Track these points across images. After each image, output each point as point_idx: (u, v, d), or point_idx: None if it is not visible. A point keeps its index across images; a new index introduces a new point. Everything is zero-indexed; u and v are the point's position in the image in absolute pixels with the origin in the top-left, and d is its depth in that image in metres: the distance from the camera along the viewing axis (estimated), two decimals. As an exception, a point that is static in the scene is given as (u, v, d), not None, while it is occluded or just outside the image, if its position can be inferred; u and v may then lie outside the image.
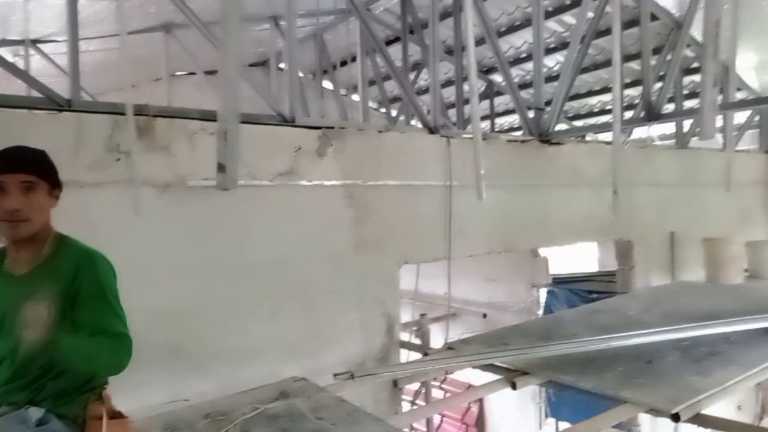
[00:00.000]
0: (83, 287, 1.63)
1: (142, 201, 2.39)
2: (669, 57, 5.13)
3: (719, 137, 5.96)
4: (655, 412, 2.53)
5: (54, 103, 2.59)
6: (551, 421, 5.75)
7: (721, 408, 2.67)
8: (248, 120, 3.11)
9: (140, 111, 2.68)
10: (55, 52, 4.55)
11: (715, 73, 2.89)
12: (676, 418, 2.40)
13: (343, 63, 6.26)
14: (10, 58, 4.27)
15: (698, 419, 2.50)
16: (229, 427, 2.18)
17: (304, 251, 3.25)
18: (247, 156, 3.04)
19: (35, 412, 1.62)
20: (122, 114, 2.66)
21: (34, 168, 1.63)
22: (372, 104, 6.91)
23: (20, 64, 4.42)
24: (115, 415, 1.75)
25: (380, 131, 3.68)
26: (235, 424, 2.21)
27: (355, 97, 6.28)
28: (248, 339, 2.98)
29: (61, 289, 1.63)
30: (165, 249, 2.76)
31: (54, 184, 1.69)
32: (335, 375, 2.72)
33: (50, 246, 1.69)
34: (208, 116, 3.00)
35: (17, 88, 4.58)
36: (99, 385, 1.73)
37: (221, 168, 1.96)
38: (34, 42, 4.33)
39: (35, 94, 2.72)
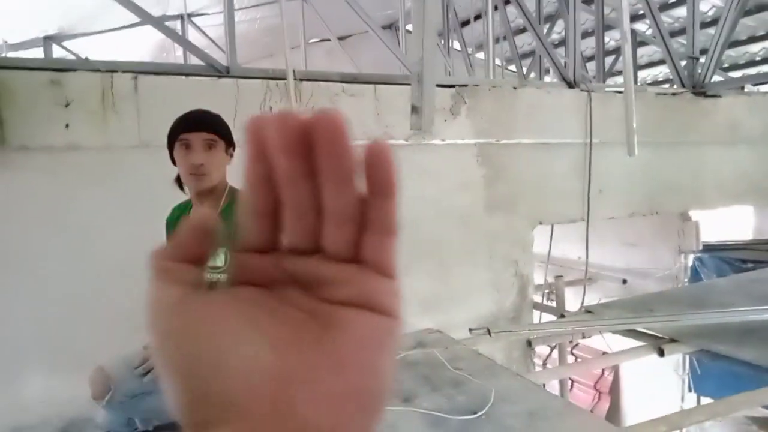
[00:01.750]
0: None
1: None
2: None
3: None
4: (831, 391, 2.27)
5: (215, 70, 2.83)
6: (692, 396, 5.37)
7: None
8: (383, 80, 3.18)
9: (287, 76, 2.84)
10: (206, 24, 4.95)
11: None
12: None
13: (467, 22, 6.10)
14: (168, 33, 4.70)
15: None
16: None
17: (437, 210, 3.29)
18: (384, 116, 3.12)
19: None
20: (273, 79, 2.85)
21: (215, 128, 1.82)
22: (499, 62, 6.69)
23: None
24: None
25: (515, 87, 3.57)
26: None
27: (480, 56, 6.12)
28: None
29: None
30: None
31: (229, 143, 1.87)
32: (471, 330, 2.77)
33: (226, 199, 1.88)
34: (348, 78, 3.12)
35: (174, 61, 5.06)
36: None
37: (415, 110, 2.02)
38: (190, 16, 4.74)
39: (195, 62, 3.00)
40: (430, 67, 1.96)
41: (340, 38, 6.11)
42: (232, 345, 0.24)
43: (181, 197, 2.02)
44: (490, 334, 2.63)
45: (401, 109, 3.20)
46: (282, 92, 2.80)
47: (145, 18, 2.98)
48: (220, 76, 2.79)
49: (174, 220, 2.02)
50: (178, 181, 1.91)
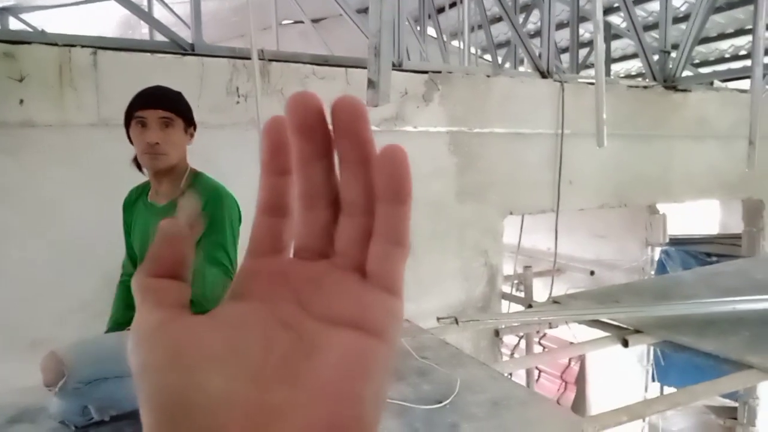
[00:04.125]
0: (208, 220, 1.73)
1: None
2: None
3: None
4: (787, 381, 2.32)
5: (179, 47, 2.72)
6: (656, 386, 5.51)
7: None
8: (355, 64, 3.11)
9: (258, 55, 2.75)
10: (173, 2, 4.78)
11: None
12: (813, 389, 2.19)
13: (441, 10, 6.04)
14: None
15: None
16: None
17: (408, 198, 3.25)
18: (356, 100, 3.06)
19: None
20: (240, 58, 2.76)
21: (172, 105, 1.74)
22: (474, 51, 6.66)
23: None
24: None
25: (488, 76, 3.54)
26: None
27: (455, 43, 6.07)
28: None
29: None
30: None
31: (189, 122, 1.79)
32: (439, 319, 2.75)
33: (186, 181, 1.81)
34: (319, 61, 3.04)
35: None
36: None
37: (371, 84, 1.94)
38: (157, -9, 4.59)
39: (160, 39, 2.88)
40: (388, 40, 1.90)
41: (315, 20, 5.99)
42: (208, 378, 0.23)
43: (142, 178, 1.94)
44: (457, 323, 2.62)
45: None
46: (249, 72, 2.71)
47: (107, -10, 2.85)
48: (184, 54, 2.69)
49: (131, 203, 1.94)
50: (136, 161, 1.82)
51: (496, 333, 3.27)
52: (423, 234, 3.33)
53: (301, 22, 5.47)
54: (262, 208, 0.28)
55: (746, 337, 2.64)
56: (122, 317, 1.87)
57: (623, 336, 2.69)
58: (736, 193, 4.67)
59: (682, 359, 3.67)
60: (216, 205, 1.74)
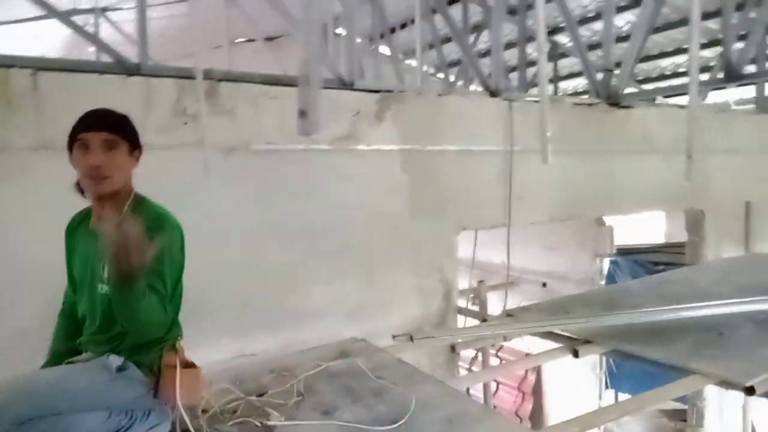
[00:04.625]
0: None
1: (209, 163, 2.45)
2: (753, 14, 4.74)
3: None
4: (726, 384, 2.42)
5: (123, 68, 2.67)
6: (610, 392, 5.65)
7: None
8: (308, 84, 3.12)
9: (205, 75, 2.72)
10: (122, 20, 4.70)
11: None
12: (750, 391, 2.29)
13: (396, 28, 6.14)
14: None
15: (775, 394, 2.37)
16: (294, 382, 2.25)
17: (363, 216, 3.26)
18: (308, 120, 3.06)
19: (115, 360, 1.72)
20: (188, 78, 2.72)
21: (116, 127, 1.69)
22: (428, 69, 6.78)
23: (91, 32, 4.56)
24: (188, 365, 1.83)
25: (440, 95, 3.61)
26: (299, 380, 2.27)
27: (409, 62, 6.17)
28: (309, 299, 3.05)
29: None
30: (230, 210, 2.84)
31: (134, 145, 1.75)
32: (394, 336, 2.75)
33: (130, 206, 1.75)
34: (270, 80, 3.03)
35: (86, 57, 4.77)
36: (173, 337, 1.81)
37: (302, 114, 1.94)
38: (104, 10, 4.49)
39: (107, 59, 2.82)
40: (317, 68, 1.92)
41: (270, 39, 5.99)
42: None
43: (85, 204, 1.88)
44: (412, 340, 2.63)
45: (325, 112, 3.15)
46: (201, 92, 2.67)
47: (50, 11, 2.78)
48: (129, 74, 2.64)
49: (74, 229, 1.88)
50: (79, 185, 1.76)
51: (452, 348, 3.29)
52: (380, 251, 3.34)
53: (254, 40, 5.45)
54: None
55: (690, 344, 2.74)
56: (62, 348, 1.80)
57: (573, 347, 2.76)
58: (679, 204, 4.88)
59: (633, 367, 3.78)
60: (157, 232, 1.69)
